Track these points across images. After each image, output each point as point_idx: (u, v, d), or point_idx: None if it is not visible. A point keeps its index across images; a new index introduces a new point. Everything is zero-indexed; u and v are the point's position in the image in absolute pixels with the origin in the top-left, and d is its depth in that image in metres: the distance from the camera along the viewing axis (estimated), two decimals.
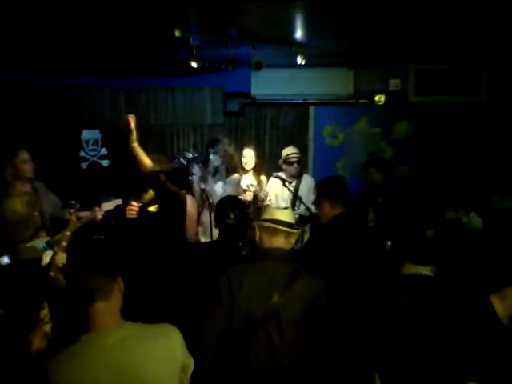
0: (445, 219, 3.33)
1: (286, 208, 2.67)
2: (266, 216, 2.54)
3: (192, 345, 2.00)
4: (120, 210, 4.43)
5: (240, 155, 5.11)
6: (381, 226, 4.25)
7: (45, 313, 3.05)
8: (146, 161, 3.45)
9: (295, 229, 2.55)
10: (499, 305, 2.00)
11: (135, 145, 3.44)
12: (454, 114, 6.07)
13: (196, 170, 4.94)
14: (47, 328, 3.06)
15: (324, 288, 2.42)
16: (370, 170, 5.17)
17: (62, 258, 3.19)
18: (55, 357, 1.78)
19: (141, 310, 2.23)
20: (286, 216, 2.55)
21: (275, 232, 2.47)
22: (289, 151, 5.17)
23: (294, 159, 5.09)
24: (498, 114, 5.93)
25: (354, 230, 3.25)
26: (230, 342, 2.30)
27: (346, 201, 3.34)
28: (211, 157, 4.95)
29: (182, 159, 4.87)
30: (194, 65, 4.37)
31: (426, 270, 2.36)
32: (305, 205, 4.67)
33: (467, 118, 6.04)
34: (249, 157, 5.06)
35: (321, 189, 3.44)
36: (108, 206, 4.29)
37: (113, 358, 1.71)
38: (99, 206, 4.23)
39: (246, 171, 5.05)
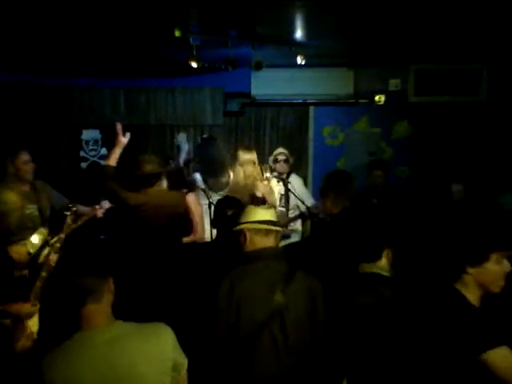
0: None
1: (270, 207, 2.65)
2: (256, 217, 2.51)
3: (189, 345, 2.00)
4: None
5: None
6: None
7: (32, 313, 3.02)
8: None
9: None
10: (465, 292, 1.97)
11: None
12: (454, 114, 6.07)
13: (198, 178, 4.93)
14: (34, 328, 3.04)
15: (320, 287, 2.42)
16: (375, 173, 5.17)
17: (53, 259, 3.20)
18: (49, 354, 1.79)
19: (137, 309, 2.23)
20: (273, 215, 2.56)
21: (268, 233, 2.47)
22: (278, 151, 5.27)
23: (282, 157, 5.16)
24: (497, 114, 5.93)
25: (354, 228, 3.25)
26: (235, 345, 2.30)
27: (350, 197, 3.35)
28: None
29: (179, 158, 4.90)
30: (194, 65, 4.36)
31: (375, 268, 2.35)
32: (299, 198, 4.70)
33: (467, 118, 6.04)
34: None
35: (326, 184, 3.45)
36: (108, 203, 4.30)
37: (107, 355, 1.73)
38: (99, 204, 4.24)
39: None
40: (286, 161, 5.17)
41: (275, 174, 5.12)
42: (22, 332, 2.92)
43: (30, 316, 3.00)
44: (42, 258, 3.27)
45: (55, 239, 3.31)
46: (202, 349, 2.26)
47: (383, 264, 2.35)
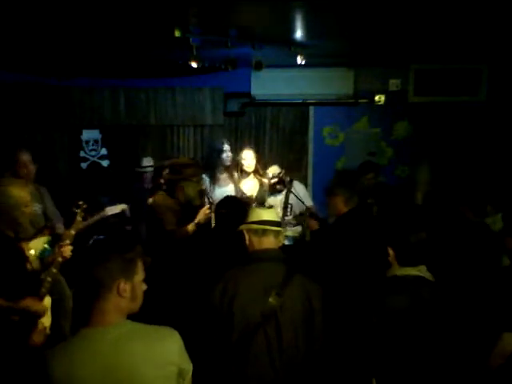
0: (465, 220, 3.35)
1: (270, 207, 2.61)
2: (253, 218, 2.49)
3: (192, 349, 1.99)
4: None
5: (239, 158, 5.07)
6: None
7: (43, 310, 3.05)
8: None
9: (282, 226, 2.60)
10: None
11: None
12: (454, 113, 6.07)
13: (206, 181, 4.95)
14: (46, 323, 3.06)
15: (318, 291, 2.41)
16: (367, 176, 5.11)
17: (67, 250, 3.21)
18: (54, 347, 1.80)
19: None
20: (272, 215, 2.53)
21: (265, 233, 2.45)
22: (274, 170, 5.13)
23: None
24: (497, 114, 5.93)
25: (362, 229, 3.24)
26: (230, 347, 2.29)
27: (359, 196, 3.35)
28: (224, 155, 4.93)
29: None
30: (194, 65, 4.36)
31: (414, 271, 2.37)
32: (299, 199, 4.68)
33: (467, 118, 6.04)
34: (250, 159, 4.99)
35: (337, 182, 3.43)
36: (113, 210, 4.32)
37: (109, 355, 1.72)
38: (103, 210, 4.26)
39: (247, 174, 4.97)
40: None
41: (275, 174, 5.10)
42: (33, 328, 2.94)
43: (42, 313, 3.02)
44: (51, 256, 3.28)
45: (66, 236, 3.33)
46: (198, 347, 2.26)
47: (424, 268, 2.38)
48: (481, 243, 3.26)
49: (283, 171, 5.00)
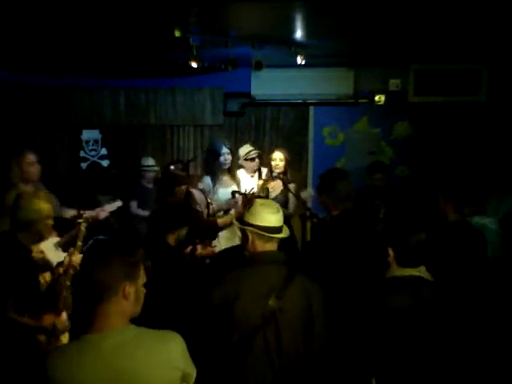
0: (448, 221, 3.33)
1: (278, 211, 2.48)
2: (260, 221, 2.41)
3: (194, 353, 1.99)
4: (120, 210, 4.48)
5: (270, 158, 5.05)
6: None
7: (67, 327, 3.01)
8: None
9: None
10: None
11: None
12: (454, 113, 6.07)
13: (207, 181, 4.95)
14: (65, 340, 3.00)
15: (319, 293, 2.41)
16: (376, 176, 5.15)
17: (78, 261, 3.19)
18: (54, 352, 1.79)
19: (147, 314, 2.21)
20: (280, 219, 2.47)
21: (270, 239, 2.42)
22: (248, 149, 5.18)
23: (255, 155, 5.12)
24: (497, 114, 5.93)
25: (357, 231, 3.22)
26: (230, 348, 2.29)
27: (349, 197, 3.26)
28: (221, 158, 4.92)
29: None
30: (194, 65, 4.36)
31: (414, 272, 2.37)
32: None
33: (467, 118, 6.04)
34: (278, 160, 4.94)
35: (322, 185, 3.35)
36: (111, 207, 4.32)
37: (109, 362, 1.70)
38: (101, 207, 4.25)
39: (274, 175, 4.89)
40: (259, 157, 5.12)
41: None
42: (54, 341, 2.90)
43: (65, 330, 2.99)
44: (61, 268, 3.25)
45: (74, 248, 3.31)
46: (198, 349, 2.25)
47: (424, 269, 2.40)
48: (465, 241, 3.25)
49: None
